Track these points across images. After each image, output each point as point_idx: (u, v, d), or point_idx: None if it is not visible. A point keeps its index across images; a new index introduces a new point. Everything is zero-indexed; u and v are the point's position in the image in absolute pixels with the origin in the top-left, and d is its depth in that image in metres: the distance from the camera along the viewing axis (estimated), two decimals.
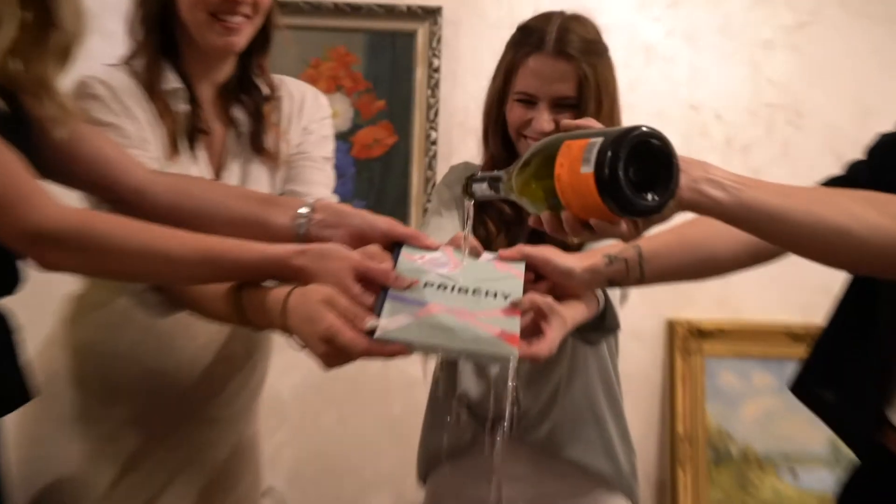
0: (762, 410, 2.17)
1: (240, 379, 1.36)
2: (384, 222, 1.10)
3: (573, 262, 1.12)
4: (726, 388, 2.20)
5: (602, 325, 1.23)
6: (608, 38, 1.89)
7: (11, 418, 1.13)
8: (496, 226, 1.42)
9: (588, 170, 0.74)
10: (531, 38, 1.37)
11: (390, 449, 2.22)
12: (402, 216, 2.26)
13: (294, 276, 1.00)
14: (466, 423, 1.44)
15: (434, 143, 2.29)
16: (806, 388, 1.17)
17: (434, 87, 2.27)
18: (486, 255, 1.11)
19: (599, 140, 0.75)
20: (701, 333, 2.28)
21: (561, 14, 1.38)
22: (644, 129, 0.75)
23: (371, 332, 0.91)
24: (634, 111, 2.09)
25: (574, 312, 1.13)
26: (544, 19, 1.37)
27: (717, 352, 2.19)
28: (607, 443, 1.41)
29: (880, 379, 1.05)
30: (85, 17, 1.08)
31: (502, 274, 1.08)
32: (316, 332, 0.92)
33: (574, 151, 0.79)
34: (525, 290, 1.06)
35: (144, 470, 1.29)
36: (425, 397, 1.57)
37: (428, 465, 1.49)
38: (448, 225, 1.43)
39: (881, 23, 2.20)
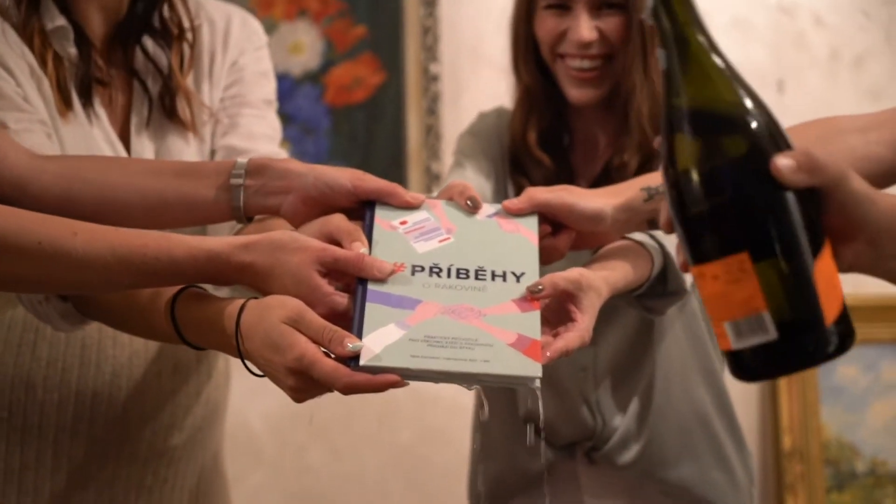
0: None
1: (188, 391, 1.28)
2: (347, 177, 0.96)
3: (601, 201, 1.01)
4: (847, 385, 2.06)
5: (664, 290, 1.15)
6: None
7: None
8: (546, 178, 1.33)
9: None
10: None
11: (399, 488, 2.08)
12: (398, 180, 1.97)
13: (239, 276, 0.92)
14: (535, 448, 1.34)
15: (435, 79, 2.09)
16: None
17: (431, 3, 2.07)
18: (487, 209, 1.00)
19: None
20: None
21: None
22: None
23: (355, 358, 0.85)
24: (708, 19, 2.00)
25: (614, 275, 1.03)
26: None
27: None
28: (717, 449, 1.37)
29: None
30: None
31: (509, 237, 0.98)
32: (283, 363, 0.85)
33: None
34: (543, 249, 0.98)
35: None
36: (440, 419, 1.66)
37: (492, 499, 1.46)
38: (472, 179, 1.33)
39: None
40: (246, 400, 1.67)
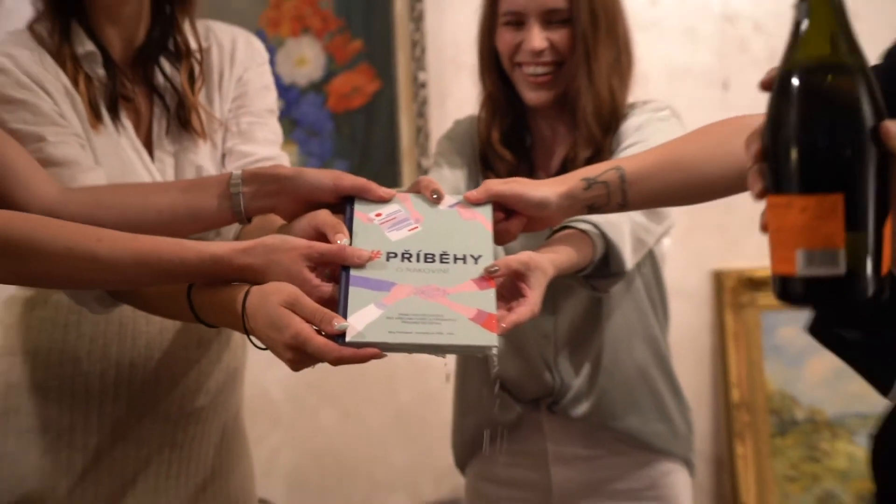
0: (830, 368, 2.07)
1: (210, 360, 1.38)
2: (329, 177, 1.08)
3: (547, 190, 1.12)
4: (787, 344, 2.17)
5: (608, 271, 1.26)
6: None
7: None
8: (509, 172, 1.43)
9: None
10: None
11: (401, 443, 2.20)
12: (393, 175, 2.20)
13: (240, 276, 1.01)
14: (506, 403, 1.50)
15: (423, 85, 2.21)
16: (824, 329, 1.12)
17: (418, 19, 2.19)
18: (449, 200, 1.09)
19: None
20: (753, 284, 2.23)
21: None
22: None
23: (342, 335, 0.93)
24: (659, 28, 2.22)
25: (558, 256, 1.15)
26: None
27: (775, 304, 2.05)
28: (659, 403, 1.47)
29: None
30: None
31: (468, 224, 1.07)
32: (282, 340, 0.94)
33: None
34: (497, 233, 1.08)
35: (110, 467, 1.34)
36: (434, 382, 1.70)
37: (466, 452, 1.56)
38: (448, 176, 1.47)
39: None
40: (263, 369, 1.74)
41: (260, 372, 1.50)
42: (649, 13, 2.23)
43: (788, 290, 0.74)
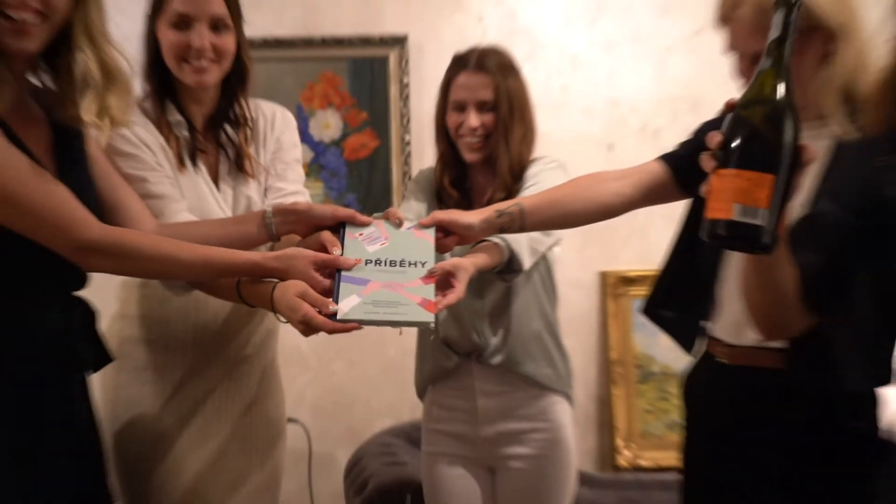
0: None
1: (255, 322, 1.55)
2: (329, 210, 1.30)
3: (472, 218, 1.31)
4: (647, 322, 1.56)
5: (511, 267, 1.47)
6: (542, 53, 2.28)
7: (95, 375, 1.33)
8: (454, 206, 1.65)
9: None
10: (460, 61, 1.64)
11: (388, 385, 2.57)
12: (386, 204, 2.53)
13: (270, 274, 1.22)
14: (448, 355, 1.69)
15: (408, 144, 2.54)
16: (653, 310, 1.45)
17: (405, 99, 2.54)
18: (407, 224, 1.27)
19: None
20: (627, 281, 2.54)
21: (481, 46, 1.67)
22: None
23: (334, 315, 1.12)
24: (567, 109, 2.63)
25: (477, 260, 1.36)
26: (469, 50, 1.66)
27: (640, 295, 2.34)
28: (548, 354, 1.67)
29: (701, 302, 1.33)
30: (113, 64, 1.22)
31: (419, 241, 1.24)
32: (295, 317, 1.15)
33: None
34: (439, 249, 1.24)
35: (190, 394, 1.50)
36: (413, 343, 1.81)
37: (423, 386, 1.76)
38: (414, 206, 1.69)
39: None
40: (296, 333, 1.52)
41: (294, 335, 1.44)
42: (560, 97, 2.64)
43: (718, 228, 0.88)
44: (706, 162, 0.95)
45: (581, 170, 1.62)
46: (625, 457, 2.61)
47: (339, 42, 2.56)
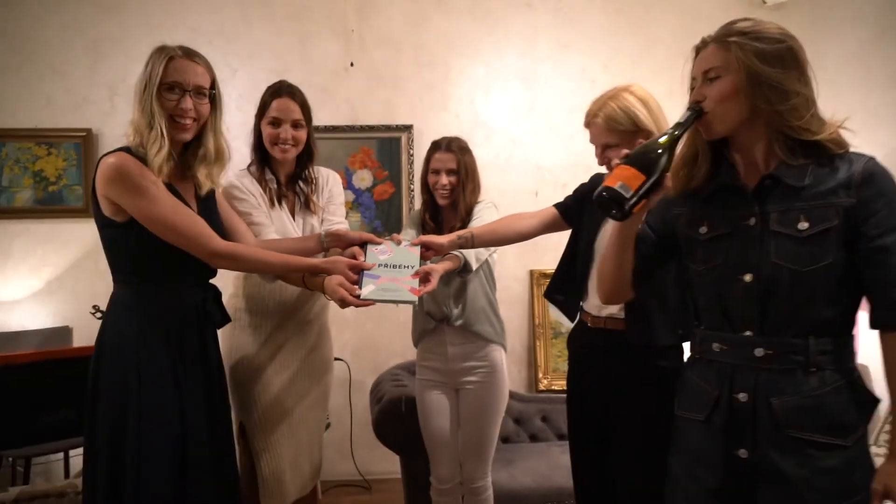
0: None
1: (312, 301, 1.97)
2: (356, 234, 1.73)
3: (443, 239, 1.70)
4: None
5: (465, 269, 1.90)
6: (495, 136, 3.15)
7: (220, 329, 1.70)
8: (431, 233, 2.03)
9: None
10: (436, 145, 2.09)
11: (398, 338, 3.33)
12: (399, 228, 3.24)
13: (322, 272, 1.66)
14: (429, 320, 2.13)
15: (412, 191, 3.32)
16: (550, 294, 1.81)
17: (411, 164, 3.33)
18: (404, 243, 1.61)
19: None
20: (546, 276, 3.22)
21: (449, 136, 2.11)
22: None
23: (358, 296, 1.54)
24: (509, 171, 3.39)
25: (445, 265, 1.77)
26: (442, 138, 2.10)
27: None
28: (490, 320, 2.10)
29: (578, 290, 1.73)
30: (223, 151, 1.65)
31: (411, 253, 1.64)
32: (335, 297, 1.60)
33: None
34: (422, 258, 1.61)
35: (275, 341, 1.91)
36: (410, 313, 2.19)
37: (416, 339, 2.21)
38: (409, 232, 2.09)
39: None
40: (341, 308, 1.76)
41: (341, 310, 1.75)
42: (506, 164, 3.44)
43: (605, 191, 1.13)
44: (617, 156, 1.27)
45: (516, 208, 2.06)
46: (543, 383, 3.37)
47: (371, 128, 3.37)
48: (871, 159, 1.26)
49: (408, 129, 3.37)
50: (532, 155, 3.51)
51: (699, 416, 1.34)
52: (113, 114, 3.43)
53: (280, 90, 1.93)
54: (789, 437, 1.24)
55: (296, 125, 1.89)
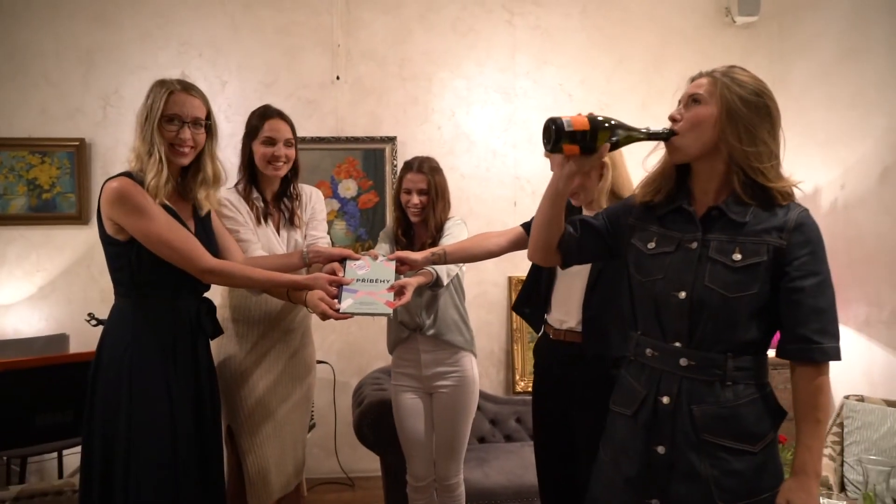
0: None
1: (295, 311, 2.05)
2: (337, 250, 1.81)
3: (417, 255, 1.79)
4: None
5: (437, 284, 2.02)
6: (475, 148, 3.27)
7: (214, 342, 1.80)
8: (404, 247, 2.10)
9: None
10: (409, 165, 2.18)
11: (381, 341, 2.68)
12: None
13: (304, 287, 1.73)
14: (403, 330, 2.21)
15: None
16: (518, 308, 1.94)
17: (394, 174, 3.35)
18: (380, 257, 1.69)
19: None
20: (523, 282, 2.21)
21: (420, 157, 2.20)
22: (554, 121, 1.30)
23: (338, 310, 1.61)
24: (489, 181, 3.48)
25: (418, 280, 1.88)
26: (414, 158, 2.19)
27: None
28: (460, 329, 2.19)
29: (543, 303, 1.86)
30: (219, 174, 1.75)
31: (386, 268, 1.72)
32: (317, 309, 1.67)
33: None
34: (397, 273, 1.69)
35: (260, 348, 1.97)
36: (385, 323, 2.26)
37: (391, 347, 2.30)
38: (384, 247, 2.19)
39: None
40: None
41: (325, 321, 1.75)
42: (486, 174, 3.51)
43: (553, 120, 1.28)
44: (571, 148, 1.30)
45: (496, 217, 2.59)
46: (520, 385, 3.50)
47: (356, 139, 3.47)
48: (805, 210, 1.39)
49: (392, 140, 3.48)
50: (511, 166, 3.64)
51: (627, 412, 1.46)
52: (105, 124, 3.51)
53: (269, 113, 2.04)
54: (705, 441, 1.36)
55: (288, 144, 2.01)
